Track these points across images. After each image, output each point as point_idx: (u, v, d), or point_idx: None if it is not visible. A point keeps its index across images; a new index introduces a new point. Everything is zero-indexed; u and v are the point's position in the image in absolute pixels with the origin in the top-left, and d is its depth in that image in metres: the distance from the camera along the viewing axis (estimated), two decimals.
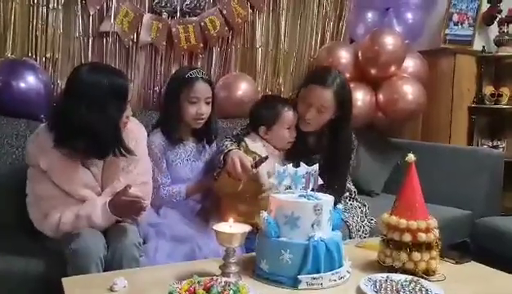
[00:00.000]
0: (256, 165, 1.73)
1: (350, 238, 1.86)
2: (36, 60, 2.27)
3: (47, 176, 1.59)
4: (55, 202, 1.61)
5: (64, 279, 1.30)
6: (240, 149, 1.84)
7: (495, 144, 3.26)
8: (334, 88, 1.85)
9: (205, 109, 1.95)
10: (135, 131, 1.77)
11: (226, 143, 1.86)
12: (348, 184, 2.06)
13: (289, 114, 1.93)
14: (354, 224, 1.93)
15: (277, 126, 1.93)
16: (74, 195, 1.61)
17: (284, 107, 1.94)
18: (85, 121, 1.54)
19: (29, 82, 2.08)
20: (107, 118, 1.57)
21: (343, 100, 1.89)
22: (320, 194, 1.37)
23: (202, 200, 2.00)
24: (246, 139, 1.92)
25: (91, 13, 2.38)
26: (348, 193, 2.06)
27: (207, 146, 2.05)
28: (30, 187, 1.66)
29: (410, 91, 2.77)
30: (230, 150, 1.78)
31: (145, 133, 1.87)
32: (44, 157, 1.58)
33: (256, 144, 1.91)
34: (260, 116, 1.97)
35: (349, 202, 2.04)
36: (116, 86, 1.60)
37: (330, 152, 1.90)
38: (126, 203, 1.56)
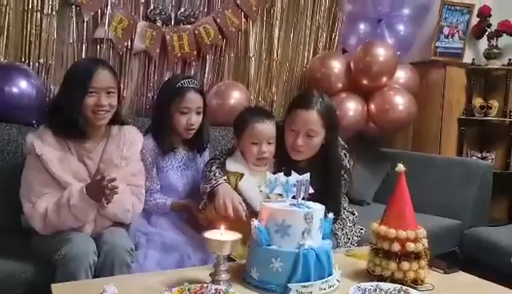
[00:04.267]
0: (251, 216, 1.60)
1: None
2: (29, 66, 2.26)
3: (41, 162, 1.63)
4: (44, 190, 1.62)
5: (53, 285, 1.30)
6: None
7: (484, 155, 3.29)
8: (318, 109, 1.78)
9: (196, 119, 1.95)
10: (132, 134, 1.84)
11: (213, 169, 1.80)
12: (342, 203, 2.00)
13: (256, 127, 1.80)
14: (343, 237, 1.92)
15: (245, 137, 1.82)
16: (61, 182, 1.63)
17: (254, 117, 1.81)
18: (56, 100, 1.73)
19: (22, 87, 2.06)
20: (69, 97, 1.67)
21: (330, 120, 1.81)
22: (310, 203, 1.37)
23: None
24: (228, 161, 1.84)
25: (85, 19, 2.37)
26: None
27: (198, 155, 2.05)
28: (24, 174, 1.69)
29: (401, 102, 2.80)
30: (219, 184, 1.74)
31: (142, 139, 1.89)
32: (40, 141, 1.66)
33: (237, 166, 1.82)
34: (234, 123, 1.91)
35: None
36: (80, 68, 1.73)
37: (321, 176, 1.77)
38: (98, 183, 1.56)
